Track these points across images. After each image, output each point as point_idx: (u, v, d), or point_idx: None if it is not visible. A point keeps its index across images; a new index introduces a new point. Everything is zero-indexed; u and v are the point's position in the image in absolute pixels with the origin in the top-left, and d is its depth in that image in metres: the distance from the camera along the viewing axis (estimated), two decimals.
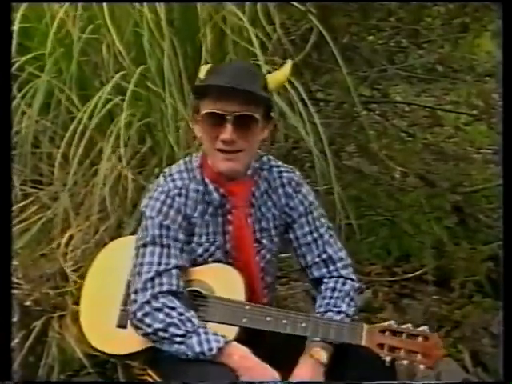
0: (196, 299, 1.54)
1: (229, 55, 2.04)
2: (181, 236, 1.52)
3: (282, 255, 1.74)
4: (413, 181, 3.02)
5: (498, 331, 2.30)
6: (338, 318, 1.53)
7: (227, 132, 1.46)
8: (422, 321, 2.46)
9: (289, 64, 1.62)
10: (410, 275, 2.62)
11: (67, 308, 1.96)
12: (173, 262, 1.50)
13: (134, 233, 1.89)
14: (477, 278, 2.51)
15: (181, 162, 1.60)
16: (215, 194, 1.55)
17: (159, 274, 1.48)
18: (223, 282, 1.54)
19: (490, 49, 3.38)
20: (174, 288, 1.49)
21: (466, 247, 2.63)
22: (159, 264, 1.49)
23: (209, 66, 1.60)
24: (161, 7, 2.01)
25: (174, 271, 1.49)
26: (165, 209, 1.52)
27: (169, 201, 1.53)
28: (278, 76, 1.60)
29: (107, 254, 1.67)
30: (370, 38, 3.16)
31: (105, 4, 2.04)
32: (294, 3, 2.20)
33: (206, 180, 1.55)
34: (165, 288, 1.48)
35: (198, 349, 1.43)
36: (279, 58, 2.14)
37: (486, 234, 2.76)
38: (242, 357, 1.44)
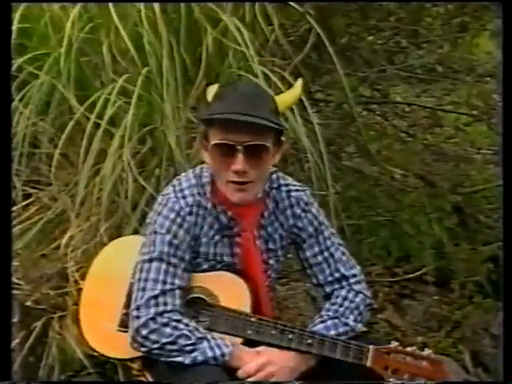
0: (199, 306, 1.55)
1: (228, 59, 2.07)
2: (187, 257, 1.53)
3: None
4: (413, 181, 3.05)
5: (499, 332, 2.34)
6: (342, 330, 1.54)
7: (238, 163, 1.46)
8: (423, 321, 2.50)
9: (299, 83, 1.60)
10: (411, 276, 2.66)
11: (68, 308, 1.99)
12: (177, 282, 1.51)
13: (134, 233, 1.95)
14: (477, 278, 2.55)
15: (190, 174, 1.58)
16: (223, 217, 1.55)
17: (164, 292, 1.49)
18: (229, 290, 1.54)
19: (490, 49, 3.42)
20: (177, 308, 1.50)
21: (466, 248, 2.67)
22: (164, 283, 1.49)
23: (216, 88, 1.58)
24: (159, 7, 2.05)
25: (177, 292, 1.50)
26: (174, 228, 1.52)
27: (179, 220, 1.52)
28: (288, 97, 1.59)
29: (108, 253, 1.68)
30: (370, 38, 3.19)
31: (110, 4, 2.07)
32: (292, 3, 2.24)
33: (215, 200, 1.55)
34: (169, 308, 1.49)
35: (210, 353, 1.45)
36: (279, 59, 2.18)
37: (486, 234, 2.80)
38: (252, 356, 1.47)
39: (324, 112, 3.24)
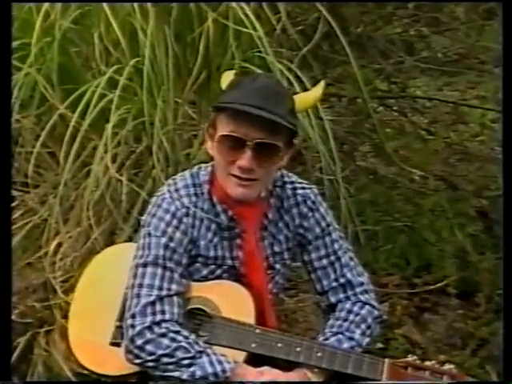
0: (199, 318, 1.55)
1: (231, 49, 2.07)
2: (184, 261, 1.53)
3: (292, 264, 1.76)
4: (433, 183, 3.06)
5: None
6: (347, 345, 1.54)
7: (246, 159, 1.46)
8: (445, 337, 2.49)
9: (321, 85, 1.60)
10: (431, 287, 2.66)
11: (55, 322, 2.00)
12: (174, 287, 1.51)
13: (128, 240, 1.95)
14: None
15: (187, 174, 1.59)
16: (223, 217, 1.56)
17: (161, 299, 1.49)
18: (231, 300, 1.54)
19: None
20: (176, 317, 1.49)
21: (491, 257, 2.66)
22: (160, 288, 1.50)
23: (232, 74, 1.59)
24: None
25: (175, 298, 1.50)
26: (170, 230, 1.53)
27: (175, 222, 1.53)
28: (308, 99, 1.60)
29: (99, 262, 1.69)
30: (386, 27, 3.20)
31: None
32: None
33: (214, 199, 1.55)
34: (167, 317, 1.48)
35: (210, 369, 1.45)
36: (286, 50, 2.18)
37: None
38: (255, 375, 1.47)
39: (336, 107, 3.25)
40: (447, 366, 1.50)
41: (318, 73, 2.56)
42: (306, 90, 1.89)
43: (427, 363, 1.49)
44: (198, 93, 2.19)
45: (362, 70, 2.60)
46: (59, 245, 2.07)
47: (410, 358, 1.50)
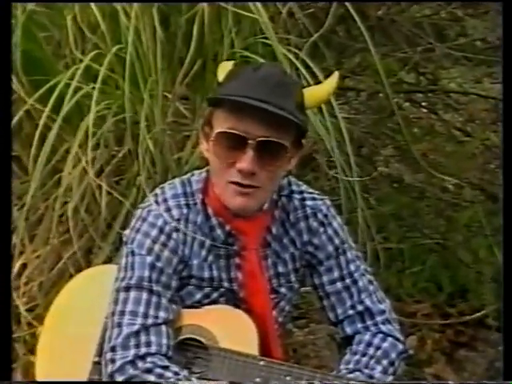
0: (193, 351, 1.56)
1: (230, 35, 2.11)
2: (174, 283, 1.55)
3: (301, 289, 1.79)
4: (469, 194, 3.09)
5: None
6: None
7: (247, 160, 1.46)
8: (485, 378, 2.51)
9: (335, 76, 1.61)
10: (468, 318, 2.69)
11: (18, 359, 2.03)
12: (162, 315, 1.51)
13: (107, 260, 1.99)
14: None
15: (177, 181, 1.60)
16: (219, 231, 1.56)
17: (146, 328, 1.50)
18: (230, 329, 1.55)
19: None
20: (164, 350, 1.50)
21: None
22: (146, 316, 1.50)
23: (230, 65, 1.59)
24: None
25: (163, 328, 1.51)
26: (157, 248, 1.54)
27: (163, 238, 1.54)
28: (320, 93, 1.60)
29: (74, 288, 1.70)
30: (413, 8, 3.24)
31: None
32: None
33: (209, 211, 1.56)
34: (153, 349, 1.49)
35: None
36: (294, 37, 2.22)
37: None
38: None
39: (353, 103, 3.29)
40: None
41: (332, 63, 2.59)
42: (318, 82, 1.92)
43: None
44: (191, 86, 2.21)
45: (384, 59, 2.63)
46: (24, 266, 2.10)
47: None
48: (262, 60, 2.08)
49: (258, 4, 2.07)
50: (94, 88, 2.03)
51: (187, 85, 2.17)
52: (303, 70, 2.11)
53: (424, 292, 2.80)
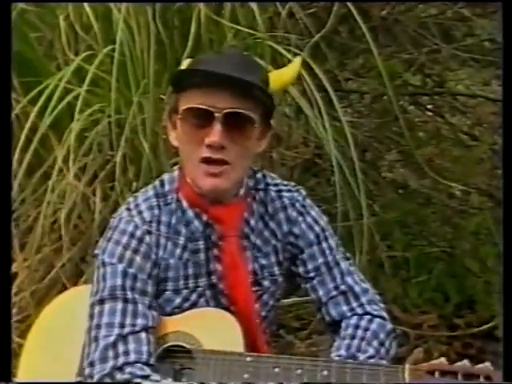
0: (177, 357, 1.56)
1: (228, 37, 2.12)
2: (150, 288, 1.55)
3: (300, 299, 1.80)
4: (477, 200, 3.09)
5: None
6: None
7: (215, 134, 1.50)
8: None
9: (298, 60, 1.68)
10: (476, 330, 2.68)
11: None
12: (140, 322, 1.51)
13: None
14: None
15: (149, 186, 1.64)
16: (196, 223, 1.58)
17: (124, 337, 1.50)
18: (212, 330, 1.56)
19: None
20: (145, 358, 1.49)
21: None
22: (122, 326, 1.51)
23: (193, 59, 1.64)
24: None
25: (142, 334, 1.51)
26: (129, 254, 1.55)
27: (134, 243, 1.56)
28: (284, 74, 1.66)
29: (61, 304, 1.70)
30: (418, 8, 3.25)
31: None
32: None
33: (185, 205, 1.59)
34: (132, 358, 1.48)
35: None
36: (295, 37, 2.23)
37: None
38: None
39: (357, 106, 3.30)
40: (482, 365, 1.50)
41: (334, 64, 2.60)
42: (320, 85, 1.93)
43: (458, 364, 1.50)
44: None
45: (388, 60, 2.64)
46: (14, 275, 2.10)
47: (436, 361, 1.51)
48: (260, 60, 2.09)
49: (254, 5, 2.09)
50: (87, 90, 2.04)
51: None
52: (304, 72, 2.12)
53: (430, 302, 2.79)
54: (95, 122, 2.10)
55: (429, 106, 3.51)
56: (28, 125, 2.06)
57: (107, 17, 2.15)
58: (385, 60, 2.47)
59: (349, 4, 2.25)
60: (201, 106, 1.51)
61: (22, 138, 2.06)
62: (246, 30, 2.13)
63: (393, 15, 3.01)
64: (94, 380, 1.50)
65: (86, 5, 2.16)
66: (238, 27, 2.13)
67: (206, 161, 1.52)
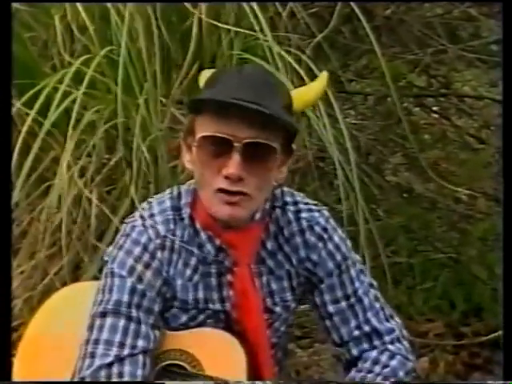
0: (176, 378, 1.55)
1: (228, 35, 2.12)
2: (157, 308, 1.53)
3: (303, 306, 1.79)
4: (484, 205, 3.09)
5: None
6: None
7: (233, 165, 1.46)
8: None
9: (324, 76, 1.63)
10: (483, 338, 2.68)
11: None
12: (141, 344, 1.49)
13: (97, 277, 1.98)
14: None
15: (166, 196, 1.60)
16: (209, 246, 1.56)
17: (121, 360, 1.48)
18: (216, 352, 1.54)
19: None
20: (138, 380, 1.48)
21: None
22: (122, 345, 1.49)
23: (211, 71, 1.60)
24: None
25: (140, 357, 1.49)
26: (140, 268, 1.52)
27: (146, 257, 1.53)
28: (309, 93, 1.62)
29: (53, 308, 1.68)
30: (423, 7, 3.25)
31: None
32: None
33: (198, 225, 1.56)
34: (126, 378, 1.47)
35: None
36: (296, 37, 2.23)
37: None
38: None
39: (360, 109, 3.30)
40: None
41: (337, 65, 2.61)
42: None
43: None
44: (188, 90, 2.22)
45: (392, 61, 2.65)
46: None
47: None
48: (262, 62, 2.10)
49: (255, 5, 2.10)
50: (84, 93, 2.05)
51: (183, 89, 2.19)
52: (303, 72, 2.13)
53: (436, 310, 2.79)
54: (92, 124, 2.10)
55: (434, 108, 3.51)
56: (25, 128, 2.06)
57: (105, 17, 2.16)
58: (389, 61, 2.47)
59: (352, 3, 2.25)
60: (218, 135, 1.47)
61: (20, 141, 2.06)
62: (246, 31, 2.13)
63: (397, 15, 3.01)
64: None
65: (81, 4, 2.16)
66: (235, 29, 2.13)
67: (223, 191, 1.48)
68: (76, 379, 1.51)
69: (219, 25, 2.12)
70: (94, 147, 2.09)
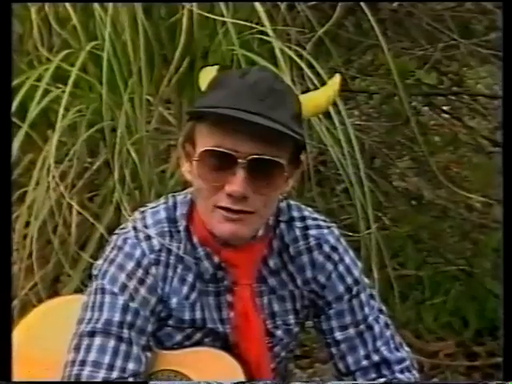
0: None
1: (222, 28, 2.13)
2: (149, 328, 1.53)
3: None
4: (499, 213, 3.10)
5: None
6: None
7: (237, 183, 1.45)
8: None
9: (336, 80, 1.61)
10: (499, 359, 2.68)
11: None
12: (131, 367, 1.50)
13: (78, 290, 1.99)
14: None
15: (160, 205, 1.59)
16: (207, 263, 1.55)
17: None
18: (212, 374, 1.55)
19: None
20: None
21: None
22: (111, 368, 1.48)
23: (214, 70, 1.59)
24: None
25: (129, 380, 1.49)
26: (133, 285, 1.52)
27: (140, 273, 1.52)
28: (320, 99, 1.60)
29: (31, 325, 1.67)
30: None
31: None
32: None
33: (195, 240, 1.55)
34: None
35: None
36: (296, 32, 2.24)
37: None
38: None
39: (364, 108, 3.31)
40: None
41: (340, 61, 2.61)
42: (323, 85, 1.93)
43: None
44: (178, 88, 2.22)
45: (399, 57, 2.66)
46: None
47: None
48: (258, 58, 2.10)
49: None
50: (63, 91, 2.05)
51: (173, 87, 2.18)
52: (307, 70, 2.13)
53: (447, 328, 2.80)
54: (73, 126, 2.11)
55: (445, 108, 3.53)
56: None
57: (85, 10, 2.16)
58: (396, 57, 2.48)
59: None
60: (221, 150, 1.45)
61: None
62: (243, 22, 2.14)
63: (404, 7, 3.01)
64: None
65: None
66: (231, 20, 2.13)
67: (225, 209, 1.47)
68: None
69: (212, 16, 2.13)
70: (75, 150, 2.09)
